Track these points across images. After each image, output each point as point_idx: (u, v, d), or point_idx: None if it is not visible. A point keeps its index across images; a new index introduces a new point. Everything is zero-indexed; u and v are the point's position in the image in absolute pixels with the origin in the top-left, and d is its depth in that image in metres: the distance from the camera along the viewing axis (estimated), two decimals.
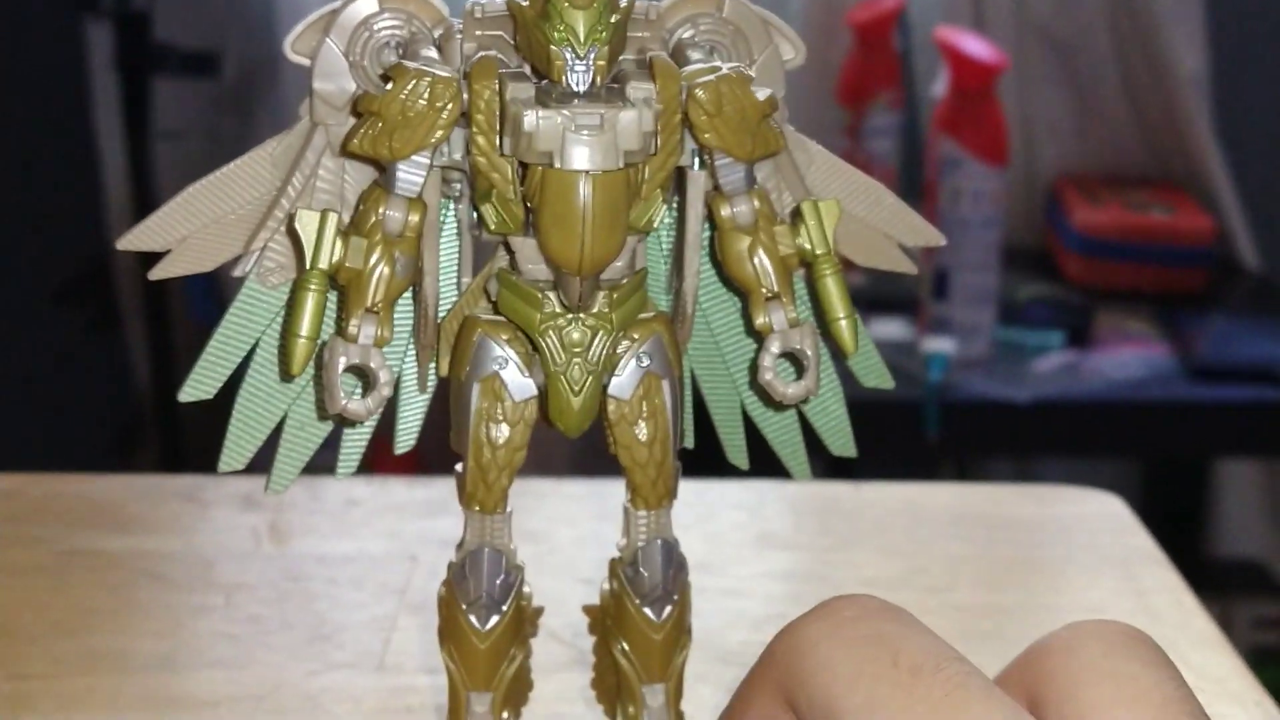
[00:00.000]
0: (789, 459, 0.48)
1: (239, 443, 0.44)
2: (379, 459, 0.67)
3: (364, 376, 0.41)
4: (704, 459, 0.51)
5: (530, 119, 0.38)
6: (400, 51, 0.43)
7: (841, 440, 0.48)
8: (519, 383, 0.42)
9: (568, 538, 0.65)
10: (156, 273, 0.45)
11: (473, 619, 0.42)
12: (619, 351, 0.42)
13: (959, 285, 1.81)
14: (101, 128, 1.81)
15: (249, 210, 0.43)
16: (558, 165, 0.38)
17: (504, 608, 0.43)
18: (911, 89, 2.11)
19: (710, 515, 0.67)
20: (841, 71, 2.07)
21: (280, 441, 0.45)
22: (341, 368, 0.40)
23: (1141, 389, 1.77)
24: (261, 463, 0.45)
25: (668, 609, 0.44)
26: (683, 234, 0.43)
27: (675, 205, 0.44)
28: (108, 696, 0.53)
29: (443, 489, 0.68)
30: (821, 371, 0.45)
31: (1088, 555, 0.64)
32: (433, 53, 0.42)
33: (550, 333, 0.41)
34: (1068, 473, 2.26)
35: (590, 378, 0.42)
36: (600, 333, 0.41)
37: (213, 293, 1.69)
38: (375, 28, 0.43)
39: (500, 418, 0.42)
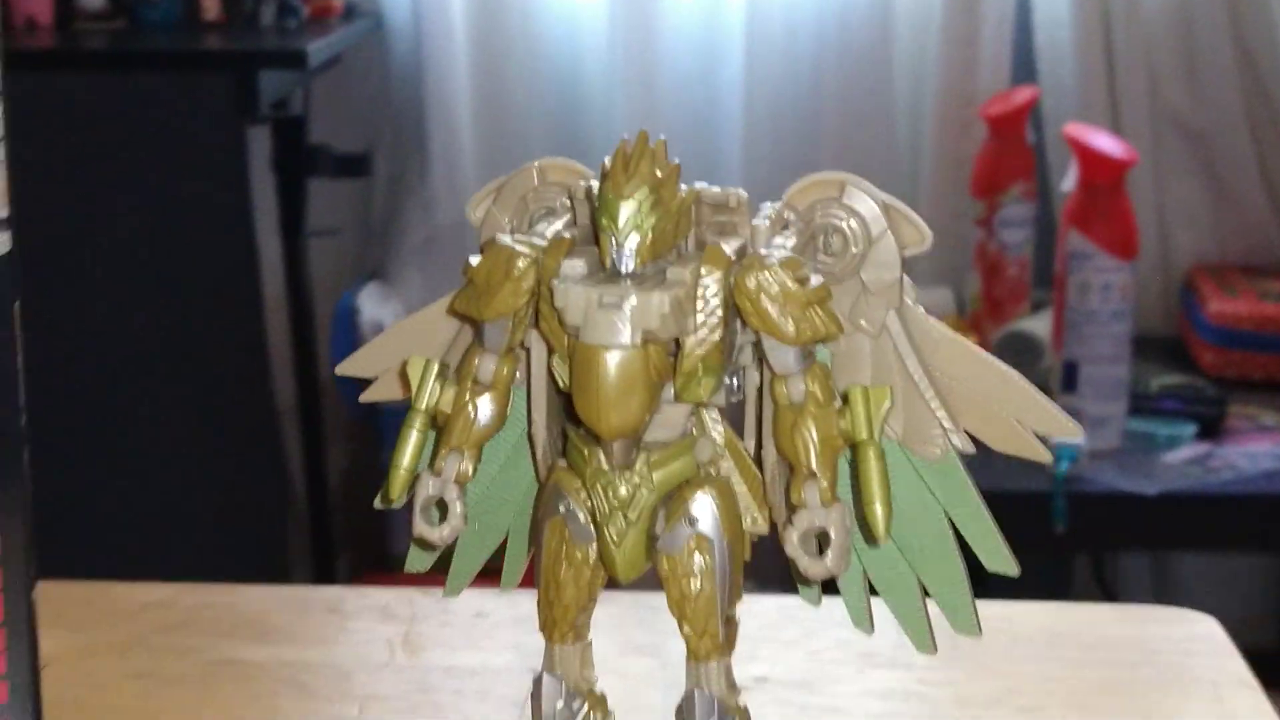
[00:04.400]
0: (910, 631, 0.50)
1: (423, 550, 0.50)
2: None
3: (444, 507, 0.46)
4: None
5: (560, 294, 0.43)
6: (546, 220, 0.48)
7: (962, 617, 0.49)
8: (581, 529, 0.46)
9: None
10: (366, 397, 0.52)
11: None
12: (673, 511, 0.45)
13: (1088, 377, 1.83)
14: (260, 225, 1.90)
15: (440, 348, 0.49)
16: (582, 338, 0.42)
17: None
18: (1045, 181, 2.13)
19: (815, 632, 0.71)
20: (975, 164, 2.10)
21: (455, 552, 0.50)
22: (422, 497, 0.45)
23: (1274, 481, 1.77)
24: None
25: None
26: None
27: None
28: None
29: (625, 601, 0.72)
30: (941, 551, 0.48)
31: (1179, 678, 0.67)
32: (555, 226, 0.47)
33: (598, 486, 0.45)
34: (1205, 564, 2.25)
35: (632, 531, 0.45)
36: (643, 490, 0.45)
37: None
38: (532, 200, 0.48)
39: (564, 559, 0.46)
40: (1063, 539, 1.78)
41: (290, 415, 1.90)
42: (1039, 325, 1.99)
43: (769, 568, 0.54)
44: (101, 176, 1.67)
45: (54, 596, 0.71)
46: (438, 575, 0.54)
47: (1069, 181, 1.86)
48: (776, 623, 0.73)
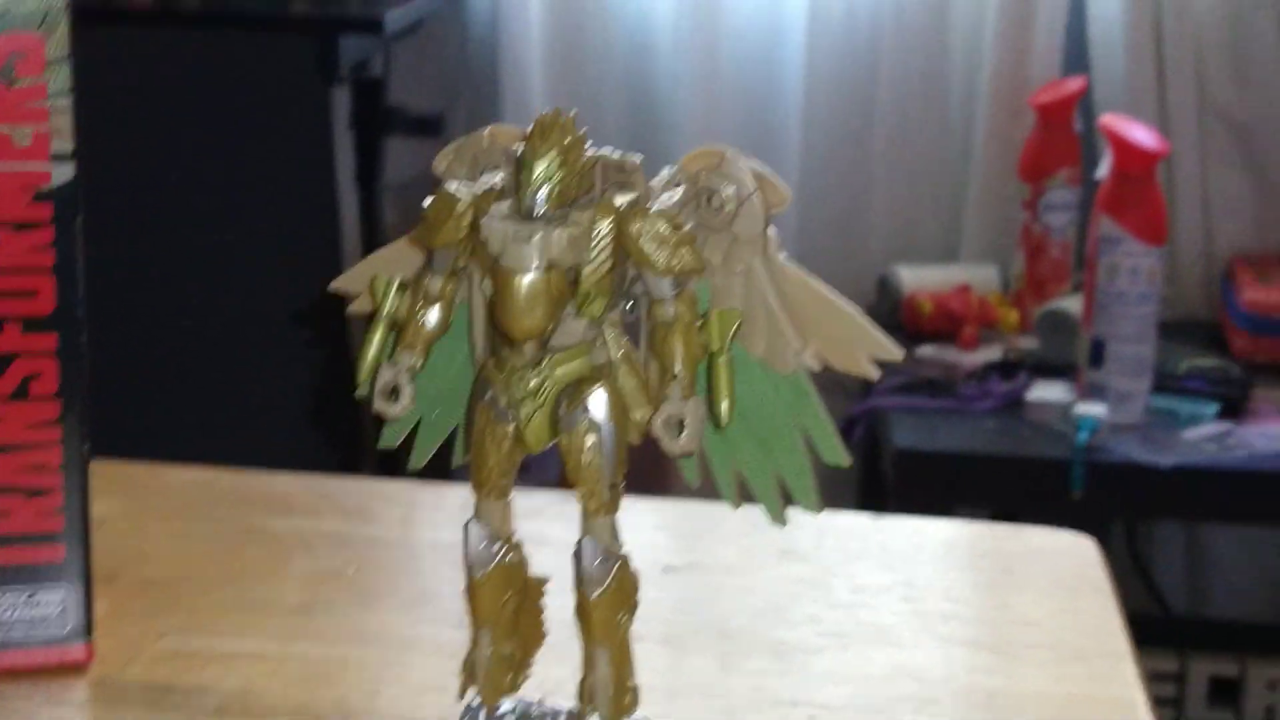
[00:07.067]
0: (768, 508, 0.62)
1: (393, 429, 0.63)
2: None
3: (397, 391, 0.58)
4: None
5: (485, 228, 0.55)
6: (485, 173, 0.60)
7: (806, 497, 0.61)
8: (501, 411, 0.59)
9: None
10: (352, 310, 0.65)
11: (466, 572, 0.60)
12: (572, 400, 0.58)
13: (1114, 355, 1.92)
14: (340, 179, 2.05)
15: (408, 270, 0.61)
16: (500, 263, 0.55)
17: (488, 568, 0.60)
18: (1091, 169, 2.23)
19: (750, 532, 0.83)
20: (1024, 149, 2.20)
21: (418, 433, 0.64)
22: (381, 382, 0.58)
23: None
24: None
25: (596, 591, 0.59)
26: None
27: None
28: (256, 630, 0.72)
29: (542, 500, 0.85)
30: (790, 446, 0.60)
31: (1043, 581, 0.79)
32: (494, 178, 0.59)
33: (514, 378, 0.58)
34: (1237, 536, 2.34)
35: (539, 413, 0.58)
36: (548, 382, 0.58)
37: None
38: (482, 157, 0.61)
39: (488, 434, 0.59)
40: (1080, 505, 1.88)
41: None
42: (1078, 304, 2.08)
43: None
44: (192, 130, 1.82)
45: (113, 474, 0.86)
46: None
47: (1103, 169, 1.96)
48: (724, 524, 0.85)
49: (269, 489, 0.87)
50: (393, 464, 2.02)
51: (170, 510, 0.84)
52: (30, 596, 0.68)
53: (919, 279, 2.22)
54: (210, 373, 1.87)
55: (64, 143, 0.64)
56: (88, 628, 0.69)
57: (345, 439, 2.01)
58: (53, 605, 0.68)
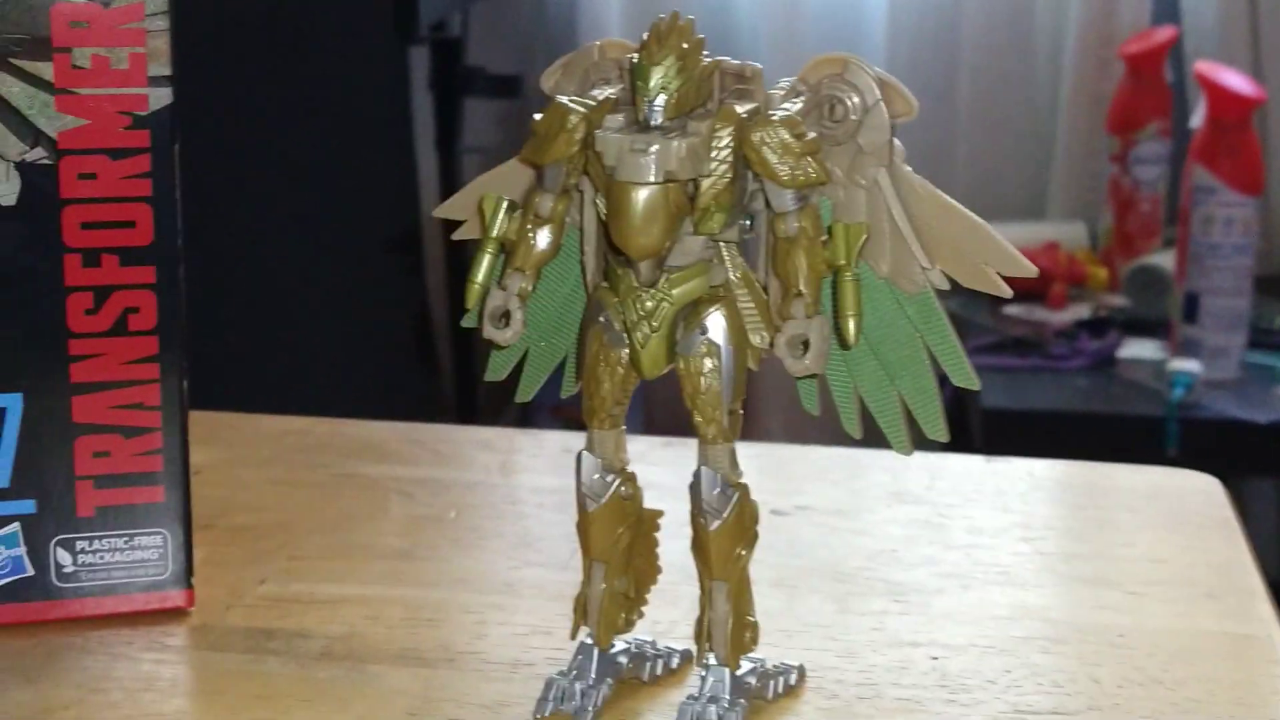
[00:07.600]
0: (891, 435, 0.59)
1: (500, 359, 0.61)
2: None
3: (508, 316, 0.56)
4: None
5: (600, 140, 0.53)
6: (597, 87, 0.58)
7: (932, 424, 0.59)
8: (615, 335, 0.56)
9: None
10: (458, 235, 0.63)
11: (578, 504, 0.58)
12: (689, 322, 0.55)
13: (1208, 309, 1.88)
14: (419, 141, 2.03)
15: (516, 192, 0.59)
16: (615, 176, 0.53)
17: (602, 499, 0.58)
18: (1181, 120, 2.18)
19: (857, 475, 0.81)
20: (1112, 101, 2.16)
21: (525, 365, 0.62)
22: (491, 307, 0.56)
23: None
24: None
25: (715, 523, 0.56)
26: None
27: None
28: (356, 575, 0.70)
29: (643, 445, 0.83)
30: (916, 368, 0.57)
31: (1168, 519, 0.76)
32: (607, 91, 0.57)
33: (629, 300, 0.56)
34: None
35: (654, 337, 0.55)
36: (665, 303, 0.55)
37: None
38: (593, 72, 0.59)
39: (601, 359, 0.56)
40: (1176, 462, 1.83)
41: (444, 316, 2.04)
42: (1168, 260, 2.04)
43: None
44: (268, 87, 1.80)
45: (210, 422, 0.85)
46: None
47: (1197, 118, 1.91)
48: (829, 468, 0.83)
49: (365, 437, 0.86)
50: (470, 412, 2.00)
51: (265, 458, 0.83)
52: (130, 539, 0.66)
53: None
54: (287, 327, 1.86)
55: (161, 66, 0.62)
56: (188, 572, 0.67)
57: (423, 390, 2.00)
58: (152, 548, 0.66)
